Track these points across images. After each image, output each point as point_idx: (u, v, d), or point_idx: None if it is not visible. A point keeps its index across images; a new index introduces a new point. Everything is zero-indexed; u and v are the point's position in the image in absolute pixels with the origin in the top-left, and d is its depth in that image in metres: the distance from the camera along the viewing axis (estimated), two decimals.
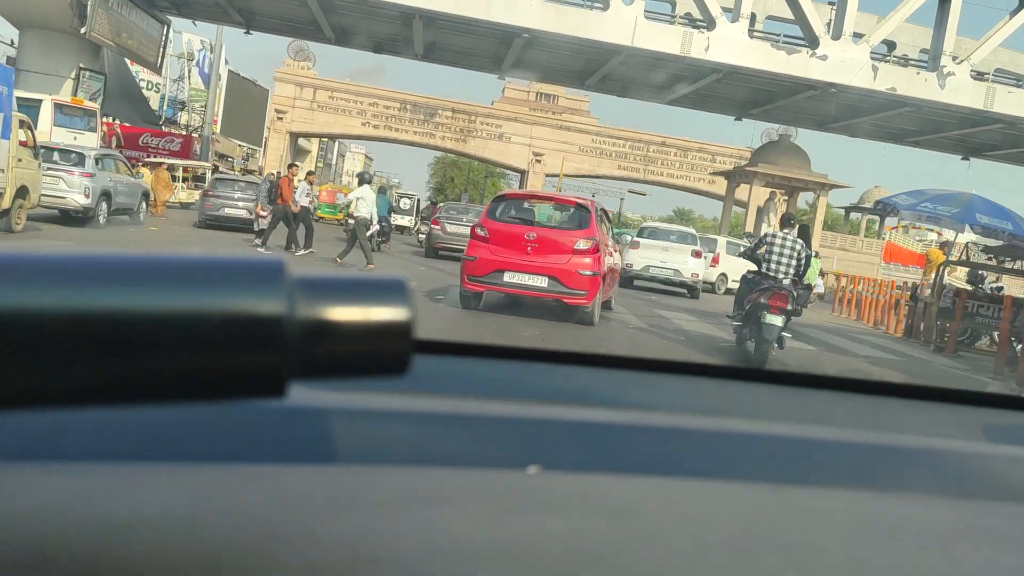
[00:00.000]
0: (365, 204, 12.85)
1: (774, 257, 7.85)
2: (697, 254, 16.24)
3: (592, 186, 55.08)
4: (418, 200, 31.81)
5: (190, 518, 0.43)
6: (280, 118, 47.33)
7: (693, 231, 18.86)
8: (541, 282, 8.34)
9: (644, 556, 0.45)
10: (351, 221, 12.93)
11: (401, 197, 29.91)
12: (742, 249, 10.32)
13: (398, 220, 24.77)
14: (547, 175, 49.54)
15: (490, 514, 0.49)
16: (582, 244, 8.47)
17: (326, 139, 69.42)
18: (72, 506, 0.42)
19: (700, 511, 0.54)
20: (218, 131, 40.24)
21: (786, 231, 8.09)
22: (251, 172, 47.69)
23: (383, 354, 0.35)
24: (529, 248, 8.36)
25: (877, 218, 54.99)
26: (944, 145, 28.55)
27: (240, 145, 44.06)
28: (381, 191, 20.50)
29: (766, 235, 8.20)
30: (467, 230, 16.63)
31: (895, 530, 0.54)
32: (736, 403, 0.91)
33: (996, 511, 0.62)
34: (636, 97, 28.94)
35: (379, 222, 16.14)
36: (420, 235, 21.24)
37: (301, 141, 59.52)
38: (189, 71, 41.54)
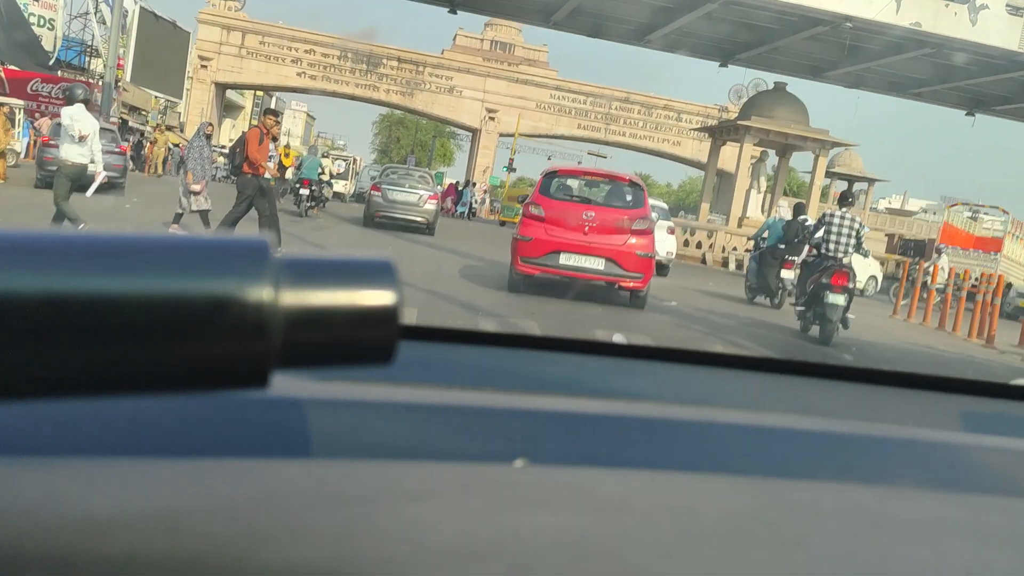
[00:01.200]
0: (74, 142, 8.02)
1: (833, 236, 7.92)
2: (671, 231, 14.65)
3: (550, 147, 51.39)
4: (353, 160, 29.47)
5: (171, 514, 0.42)
6: (204, 66, 42.39)
7: (664, 205, 17.34)
8: (599, 264, 8.04)
9: (634, 550, 0.45)
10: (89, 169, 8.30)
11: (336, 159, 28.23)
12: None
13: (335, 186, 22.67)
14: (501, 134, 45.69)
15: (477, 509, 0.48)
16: (640, 224, 8.18)
17: (262, 92, 64.30)
18: (48, 503, 0.41)
19: (690, 504, 0.54)
20: (127, 79, 35.31)
21: (844, 209, 8.14)
22: (171, 128, 42.88)
23: (369, 342, 0.34)
24: (587, 228, 8.03)
25: (844, 184, 52.75)
26: (949, 97, 25.51)
27: (156, 96, 39.07)
28: (311, 151, 19.48)
29: (825, 215, 8.20)
30: (410, 196, 16.37)
31: (884, 523, 0.54)
32: (726, 392, 0.91)
33: (984, 504, 0.62)
34: (608, 37, 25.21)
35: (309, 186, 15.82)
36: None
37: (231, 94, 54.40)
38: (97, 5, 36.24)
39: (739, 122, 21.55)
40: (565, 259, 8.07)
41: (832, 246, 7.90)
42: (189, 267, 0.30)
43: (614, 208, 8.54)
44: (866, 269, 16.02)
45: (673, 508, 0.53)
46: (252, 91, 62.96)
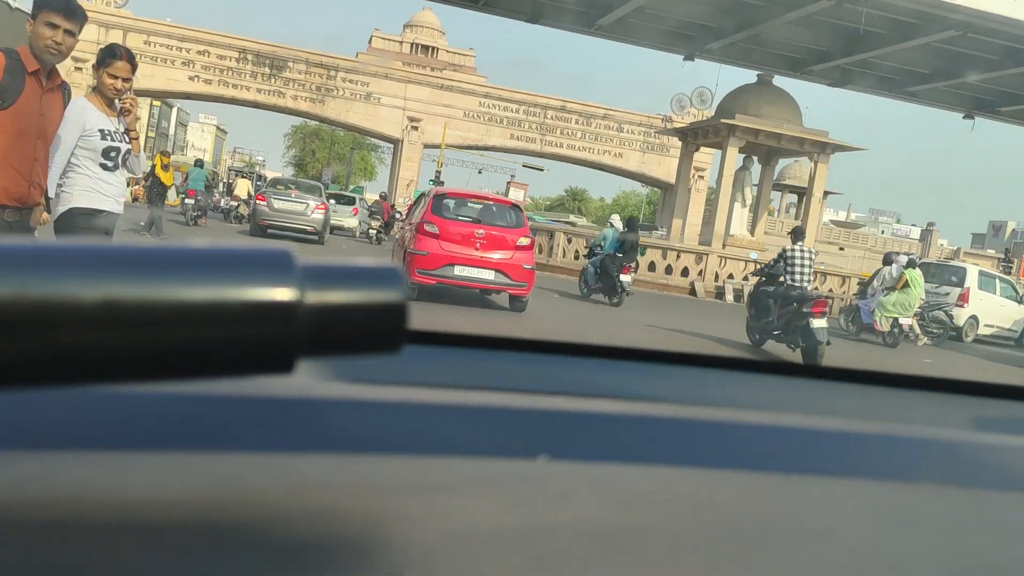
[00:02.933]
0: None
1: (796, 269, 9.04)
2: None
3: (480, 159, 46.89)
4: (255, 176, 27.71)
5: (200, 505, 0.45)
6: (78, 68, 36.27)
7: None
8: (489, 275, 9.25)
9: (654, 544, 0.46)
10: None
11: (237, 175, 28.03)
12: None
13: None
14: (426, 145, 40.96)
15: (502, 502, 0.50)
16: (523, 240, 9.53)
17: (158, 102, 58.04)
18: (78, 493, 0.44)
19: (710, 500, 0.55)
20: None
21: (800, 243, 9.29)
22: None
23: (380, 333, 0.39)
24: (478, 244, 9.20)
25: (795, 197, 49.86)
26: (947, 97, 21.94)
27: None
28: (198, 163, 19.86)
29: (785, 250, 9.27)
30: (296, 206, 16.82)
31: (906, 520, 0.56)
32: (744, 394, 0.92)
33: (1003, 500, 0.64)
34: (551, 24, 20.78)
35: (195, 196, 16.98)
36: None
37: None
38: None
39: (723, 120, 17.27)
40: (459, 271, 9.10)
41: (797, 278, 8.99)
42: (234, 272, 0.36)
43: (500, 227, 9.55)
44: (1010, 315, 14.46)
45: (694, 503, 0.54)
46: (147, 101, 56.79)
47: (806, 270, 9.01)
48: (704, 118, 44.30)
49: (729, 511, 0.53)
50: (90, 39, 37.34)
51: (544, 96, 42.17)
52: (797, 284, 8.92)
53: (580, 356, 0.94)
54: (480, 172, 50.81)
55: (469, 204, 10.22)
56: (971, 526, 0.57)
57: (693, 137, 19.90)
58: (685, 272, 16.68)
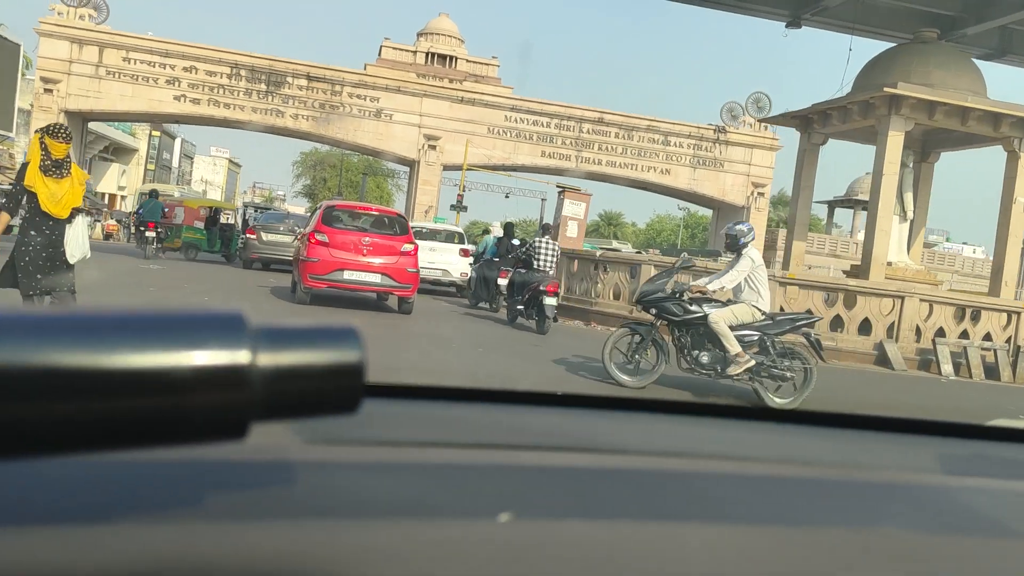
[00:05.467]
0: None
1: (541, 256, 11.06)
2: (464, 252, 16.61)
3: (508, 181, 41.72)
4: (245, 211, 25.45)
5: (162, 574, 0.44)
6: (48, 90, 31.91)
7: (460, 230, 18.90)
8: (375, 278, 10.31)
9: None
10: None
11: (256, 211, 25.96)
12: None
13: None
14: (445, 167, 35.83)
15: (463, 567, 0.49)
16: (406, 247, 10.63)
17: (158, 133, 53.65)
18: (32, 569, 0.42)
19: (679, 554, 0.54)
20: None
21: (547, 237, 11.56)
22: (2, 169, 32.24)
23: (336, 394, 0.39)
24: (365, 251, 10.28)
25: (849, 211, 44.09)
26: None
27: None
28: (153, 195, 20.05)
29: (534, 240, 11.39)
30: (283, 238, 17.95)
31: (872, 566, 0.56)
32: (709, 441, 0.91)
33: (967, 545, 0.64)
34: None
35: (155, 228, 18.00)
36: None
37: (118, 134, 43.74)
38: None
39: (887, 90, 11.64)
40: (349, 275, 10.24)
41: (541, 263, 10.99)
42: (184, 338, 0.35)
43: (385, 235, 10.83)
44: None
45: (662, 559, 0.53)
46: (148, 129, 52.46)
47: (549, 258, 11.10)
48: (762, 127, 39.12)
49: (698, 565, 0.52)
50: (60, 56, 32.87)
51: (579, 107, 36.94)
52: (541, 269, 10.94)
53: (540, 405, 0.91)
54: (507, 196, 45.65)
55: (357, 215, 11.34)
56: (936, 572, 0.57)
57: (821, 123, 14.12)
58: (865, 327, 11.02)
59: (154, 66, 32.98)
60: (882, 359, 11.04)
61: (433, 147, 35.07)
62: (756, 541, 0.57)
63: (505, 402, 0.91)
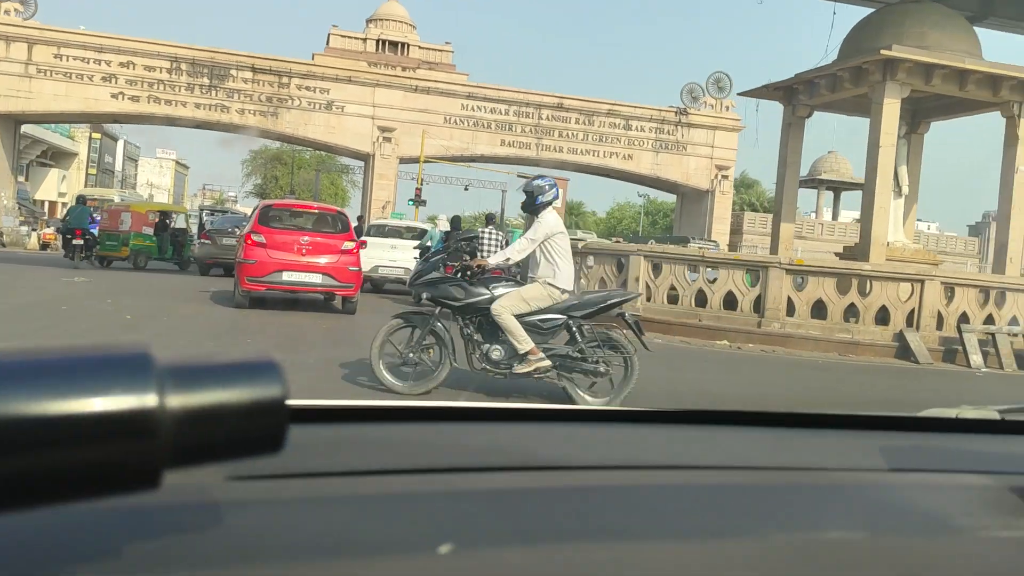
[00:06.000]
0: None
1: (484, 246, 10.72)
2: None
3: (468, 172, 40.53)
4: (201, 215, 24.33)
5: None
6: None
7: (427, 227, 17.68)
8: (316, 279, 9.97)
9: None
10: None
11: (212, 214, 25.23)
12: None
13: None
14: (402, 159, 34.56)
15: None
16: (347, 245, 10.36)
17: (98, 135, 51.42)
18: None
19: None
20: None
21: (491, 227, 11.54)
22: None
23: (257, 434, 0.36)
24: (304, 250, 9.94)
25: (831, 194, 43.67)
26: None
27: None
28: (80, 200, 19.93)
29: (478, 231, 10.88)
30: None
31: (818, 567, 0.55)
32: (651, 448, 0.87)
33: (908, 542, 0.64)
34: None
35: (83, 235, 17.51)
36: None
37: (36, 131, 41.52)
38: None
39: (883, 52, 10.78)
40: (288, 276, 9.90)
41: (485, 253, 10.02)
42: (80, 382, 0.32)
43: (325, 233, 10.46)
44: None
45: None
46: (87, 131, 50.21)
47: (493, 248, 10.58)
48: (723, 108, 38.48)
49: None
50: None
51: (537, 92, 35.90)
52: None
53: (481, 421, 0.86)
54: (467, 189, 44.50)
55: (296, 213, 11.18)
56: (881, 570, 0.57)
57: (807, 93, 13.15)
58: (883, 316, 10.09)
59: (88, 62, 31.15)
60: (903, 351, 10.01)
61: (388, 139, 33.77)
62: (702, 553, 0.56)
63: (436, 419, 0.85)
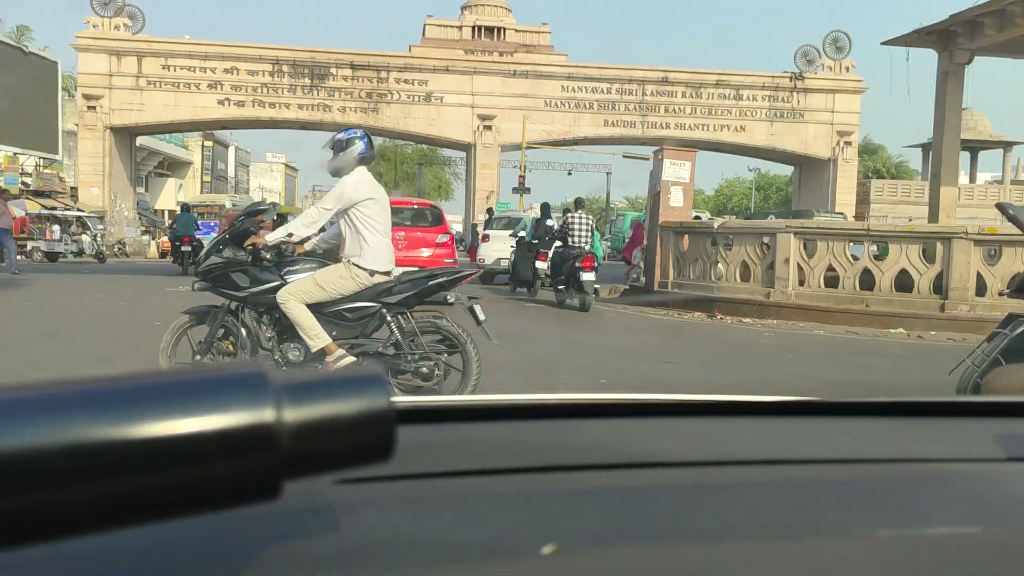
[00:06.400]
0: None
1: (575, 232, 10.94)
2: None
3: (571, 156, 39.42)
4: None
5: None
6: (92, 107, 30.91)
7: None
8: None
9: None
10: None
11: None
12: None
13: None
14: (503, 147, 33.76)
15: None
16: (441, 238, 11.48)
17: (210, 143, 52.99)
18: None
19: None
20: None
21: (580, 211, 11.44)
22: (63, 197, 31.51)
23: (367, 444, 0.38)
24: (400, 245, 9.66)
25: (967, 155, 40.13)
26: None
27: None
28: (184, 208, 20.87)
29: (568, 216, 11.36)
30: None
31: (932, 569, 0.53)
32: (746, 441, 0.84)
33: None
34: None
35: (190, 242, 17.55)
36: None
37: (152, 143, 42.94)
38: None
39: None
40: None
41: (576, 239, 10.73)
42: (203, 402, 0.34)
43: (420, 227, 11.57)
44: None
45: None
46: (200, 140, 51.81)
47: (584, 232, 10.92)
48: (843, 69, 35.86)
49: None
50: (100, 71, 31.88)
51: (640, 68, 34.36)
52: (577, 245, 10.76)
53: (581, 418, 0.84)
54: (570, 173, 43.46)
55: (394, 210, 10.70)
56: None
57: (968, 35, 11.34)
58: None
59: (194, 71, 31.73)
60: None
61: (488, 127, 33.04)
62: (802, 555, 0.54)
63: (536, 416, 0.84)
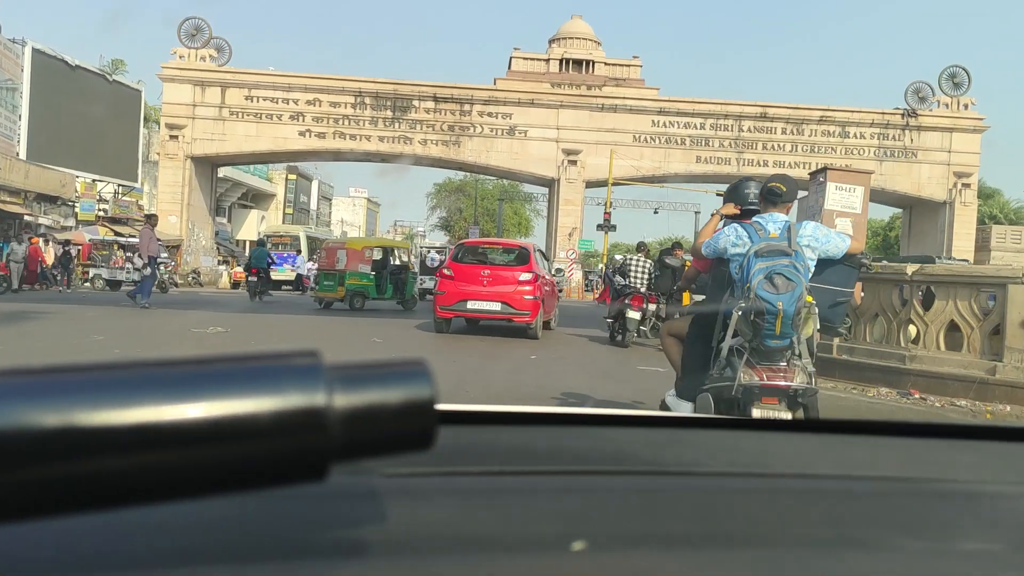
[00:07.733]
0: None
1: (632, 273, 11.50)
2: None
3: (660, 193, 37.50)
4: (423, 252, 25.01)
5: None
6: (174, 136, 30.75)
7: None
8: (495, 307, 11.38)
9: None
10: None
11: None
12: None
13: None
14: (588, 183, 32.14)
15: None
16: (524, 276, 11.52)
17: (294, 176, 53.14)
18: None
19: None
20: (21, 154, 23.85)
21: (639, 255, 11.87)
22: (143, 221, 31.32)
23: (411, 431, 0.40)
24: (485, 281, 11.42)
25: None
26: None
27: (79, 177, 27.64)
28: (260, 242, 23.12)
29: (627, 258, 12.33)
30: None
31: None
32: (778, 455, 0.88)
33: None
34: None
35: (258, 273, 18.54)
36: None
37: (237, 175, 42.97)
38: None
39: None
40: (472, 304, 11.42)
41: (632, 280, 11.37)
42: (257, 385, 0.36)
43: (506, 266, 12.02)
44: None
45: None
46: (284, 173, 52.00)
47: (640, 274, 11.37)
48: (960, 106, 33.06)
49: None
50: (184, 101, 31.72)
51: (737, 103, 32.37)
52: (632, 286, 11.32)
53: (613, 426, 0.88)
54: (656, 212, 41.46)
55: (484, 249, 13.12)
56: None
57: None
58: None
59: (277, 102, 31.34)
60: None
61: (573, 162, 31.54)
62: (834, 562, 0.55)
63: (571, 424, 0.88)
